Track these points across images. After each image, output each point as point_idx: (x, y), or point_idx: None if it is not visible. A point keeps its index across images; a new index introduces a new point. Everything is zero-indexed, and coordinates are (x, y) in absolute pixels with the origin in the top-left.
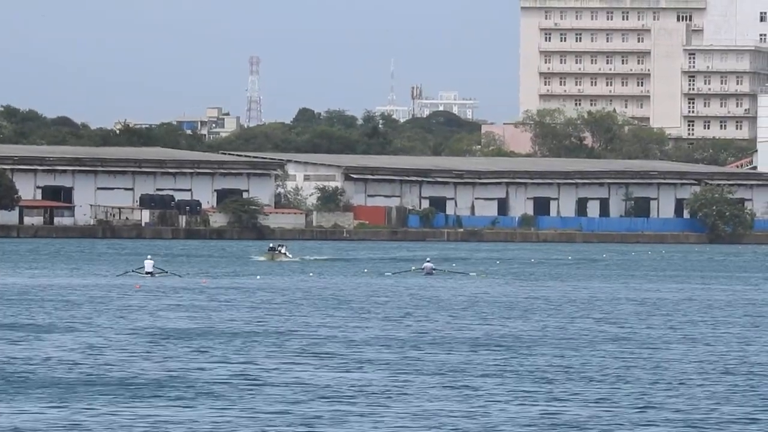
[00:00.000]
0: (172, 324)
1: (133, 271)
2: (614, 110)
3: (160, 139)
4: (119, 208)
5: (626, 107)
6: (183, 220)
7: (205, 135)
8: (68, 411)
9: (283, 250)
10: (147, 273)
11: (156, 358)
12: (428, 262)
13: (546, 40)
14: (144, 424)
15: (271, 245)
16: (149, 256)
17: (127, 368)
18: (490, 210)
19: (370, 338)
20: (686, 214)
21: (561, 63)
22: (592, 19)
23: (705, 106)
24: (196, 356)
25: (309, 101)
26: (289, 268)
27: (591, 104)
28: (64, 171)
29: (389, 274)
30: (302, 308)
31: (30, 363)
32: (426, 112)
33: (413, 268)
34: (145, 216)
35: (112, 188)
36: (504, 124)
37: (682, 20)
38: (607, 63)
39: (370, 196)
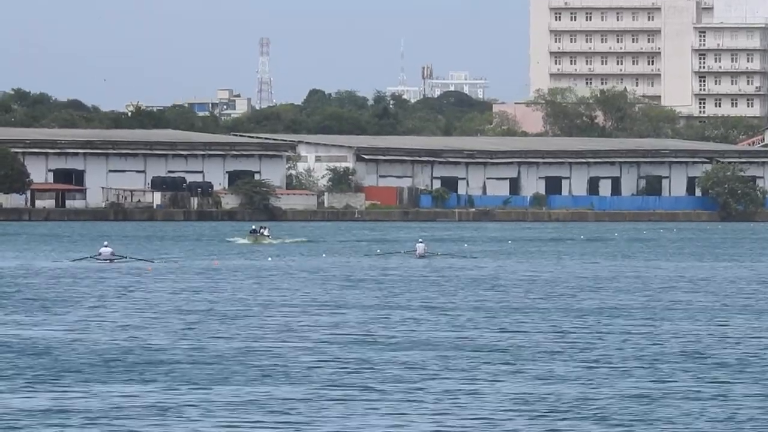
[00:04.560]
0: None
1: (90, 257)
2: (625, 89)
3: (174, 121)
4: (131, 191)
5: (637, 86)
6: (195, 202)
7: (217, 117)
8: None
9: (265, 233)
10: (105, 260)
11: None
12: (420, 242)
13: (556, 19)
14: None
15: (253, 227)
16: (106, 243)
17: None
18: (502, 189)
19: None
20: (698, 192)
21: (571, 42)
22: None
23: (716, 84)
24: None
25: (319, 82)
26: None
27: (602, 83)
28: (76, 154)
29: (378, 252)
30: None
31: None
32: (437, 92)
33: (404, 251)
34: (157, 198)
35: (124, 171)
36: (515, 103)
37: None
38: (618, 42)
39: (381, 176)
